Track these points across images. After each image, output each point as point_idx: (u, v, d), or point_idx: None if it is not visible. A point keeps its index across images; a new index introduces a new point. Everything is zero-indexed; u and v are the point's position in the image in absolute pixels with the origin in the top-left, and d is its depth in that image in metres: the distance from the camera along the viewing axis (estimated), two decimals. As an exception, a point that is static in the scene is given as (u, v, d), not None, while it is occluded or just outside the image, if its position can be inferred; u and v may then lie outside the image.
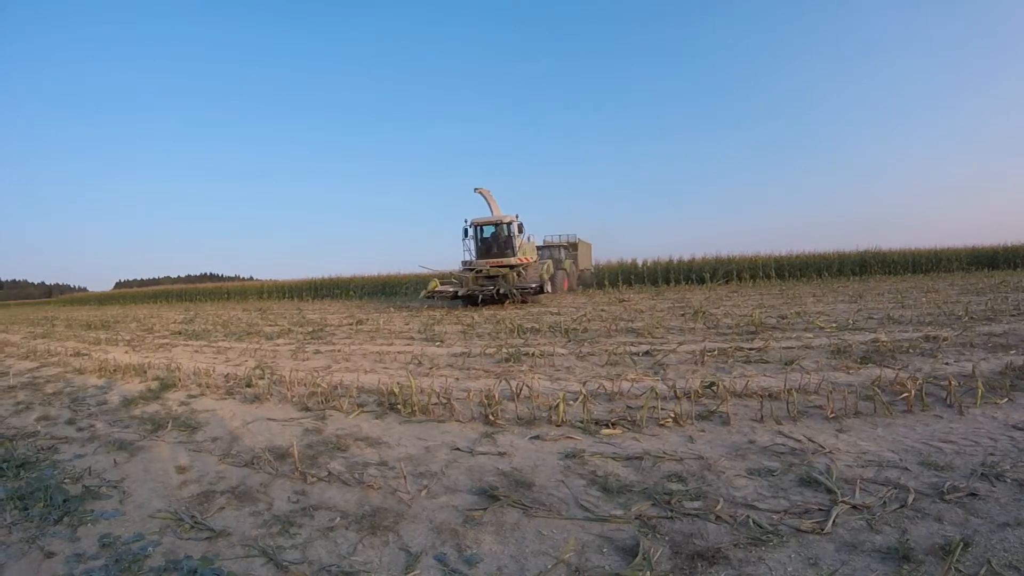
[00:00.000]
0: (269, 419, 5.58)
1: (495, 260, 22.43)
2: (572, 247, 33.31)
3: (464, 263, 23.14)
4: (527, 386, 6.11)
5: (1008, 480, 3.30)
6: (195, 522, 3.22)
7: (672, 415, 4.90)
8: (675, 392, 5.71)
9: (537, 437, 4.58)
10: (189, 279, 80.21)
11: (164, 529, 3.17)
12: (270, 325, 17.65)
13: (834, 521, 2.86)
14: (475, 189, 24.36)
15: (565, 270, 30.41)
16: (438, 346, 10.56)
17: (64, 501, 3.61)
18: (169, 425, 5.44)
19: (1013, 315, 11.00)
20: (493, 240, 23.00)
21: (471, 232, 23.21)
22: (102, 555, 2.89)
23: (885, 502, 3.08)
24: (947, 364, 6.64)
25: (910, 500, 3.08)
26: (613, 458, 4.02)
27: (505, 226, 22.78)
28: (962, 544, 2.54)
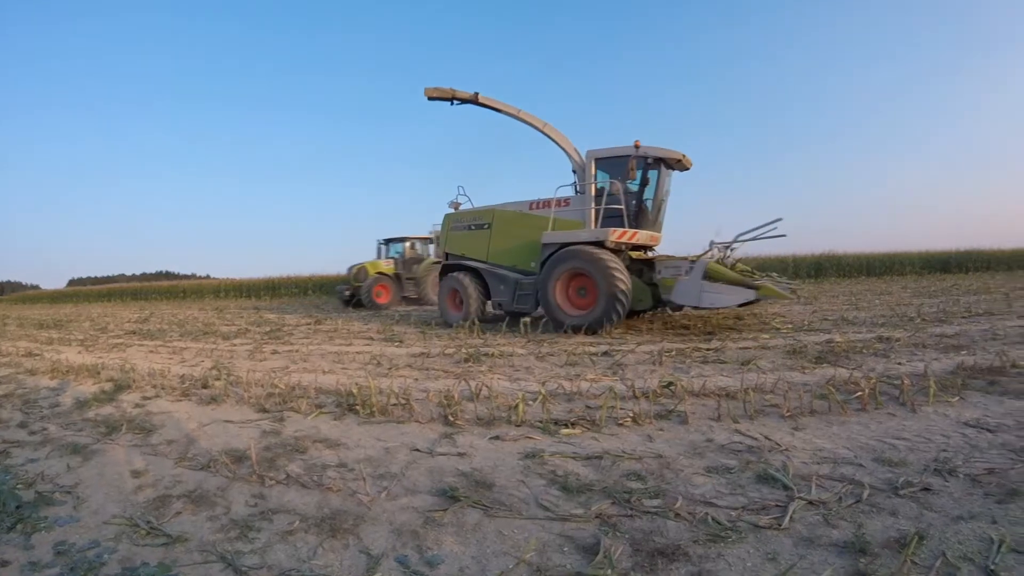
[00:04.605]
0: (226, 421, 5.47)
1: (649, 239, 12.75)
2: None
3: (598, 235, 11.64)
4: (487, 386, 6.10)
5: (961, 475, 3.37)
6: (151, 528, 3.13)
7: (631, 415, 4.92)
8: (634, 392, 5.75)
9: (497, 437, 4.56)
10: (144, 277, 78.30)
11: (120, 535, 3.08)
12: (227, 324, 17.37)
13: (791, 517, 2.89)
14: (428, 95, 13.91)
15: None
16: (397, 346, 10.50)
17: (17, 507, 3.50)
18: (124, 428, 5.29)
19: (964, 317, 11.29)
20: (645, 200, 12.38)
21: (631, 173, 11.54)
22: (57, 563, 2.80)
23: (841, 498, 3.12)
24: (900, 364, 6.78)
25: (865, 495, 3.12)
26: (573, 458, 4.01)
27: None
28: (917, 537, 2.58)
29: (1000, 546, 2.52)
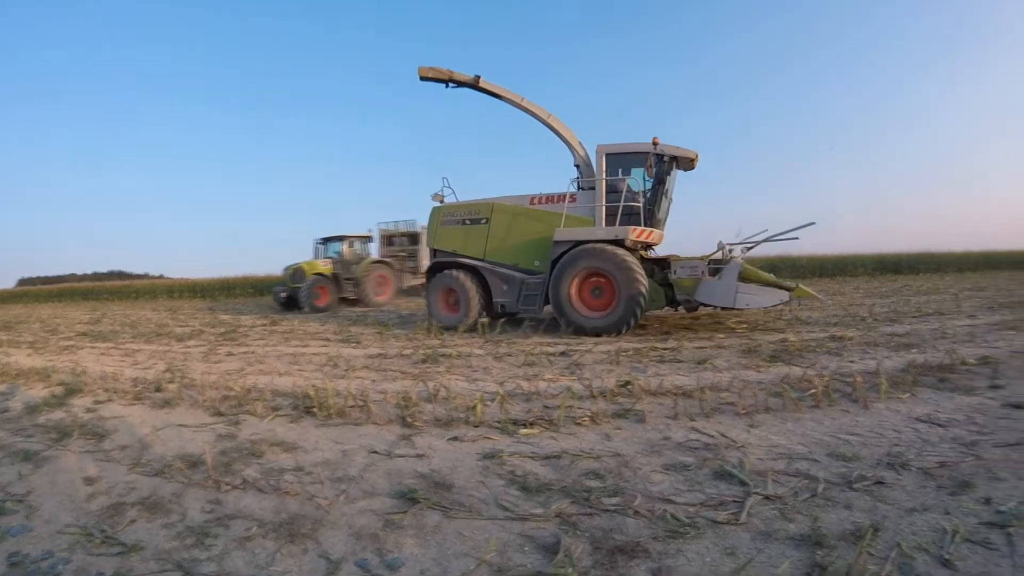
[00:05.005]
0: (180, 425, 5.35)
1: (659, 237, 12.32)
2: (411, 238, 26.45)
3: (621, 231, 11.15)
4: (445, 387, 6.09)
5: (913, 469, 3.46)
6: (106, 536, 3.04)
7: (589, 414, 4.94)
8: (591, 391, 5.78)
9: (455, 438, 4.54)
10: (96, 276, 75.66)
11: (74, 545, 2.99)
12: (181, 326, 17.04)
13: (748, 512, 2.93)
14: (423, 74, 13.19)
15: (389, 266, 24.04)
16: (354, 347, 10.41)
17: (-31, 518, 3.39)
18: (75, 433, 5.14)
19: (915, 317, 11.58)
20: (657, 195, 11.80)
21: (650, 170, 11.44)
22: (11, 574, 2.72)
23: (796, 492, 3.17)
24: (852, 362, 6.92)
25: (820, 489, 3.18)
26: (532, 457, 4.02)
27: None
28: (872, 529, 2.64)
29: (954, 536, 2.59)
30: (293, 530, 3.03)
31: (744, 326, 11.02)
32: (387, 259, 24.63)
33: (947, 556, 2.44)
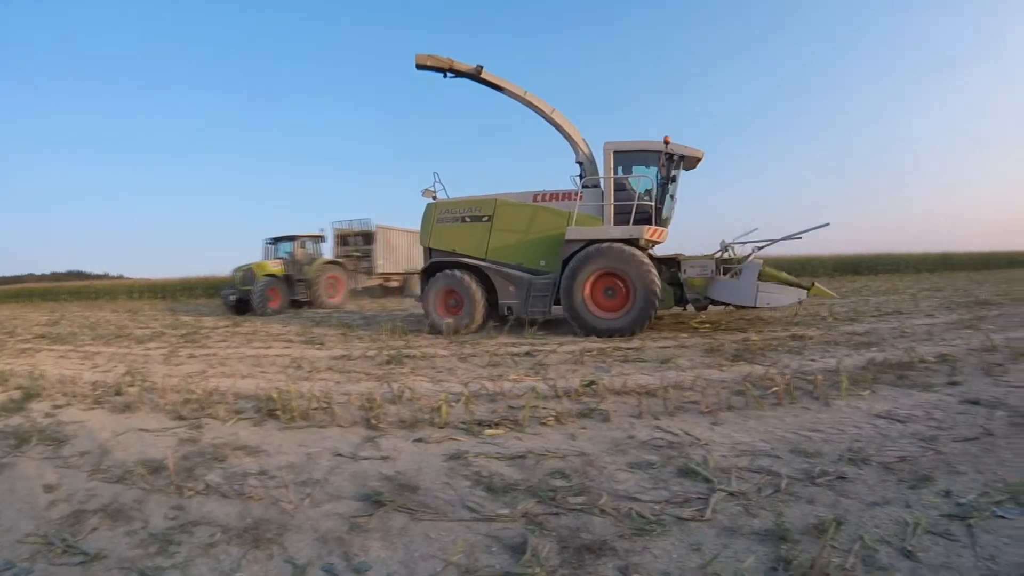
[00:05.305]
0: (141, 429, 5.24)
1: (665, 236, 11.94)
2: (365, 238, 26.08)
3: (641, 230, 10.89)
4: (409, 388, 6.06)
5: (874, 463, 3.52)
6: (67, 545, 2.97)
7: (554, 414, 4.95)
8: (556, 391, 5.79)
9: (420, 440, 4.51)
10: (55, 277, 73.97)
11: (35, 555, 2.91)
12: (141, 327, 16.77)
13: (713, 508, 2.96)
14: (420, 63, 12.60)
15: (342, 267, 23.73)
16: (317, 348, 10.32)
17: (-74, 530, 3.28)
18: (34, 439, 5.00)
19: (874, 316, 11.81)
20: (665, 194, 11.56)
21: (663, 169, 11.27)
22: (-27, 586, 2.65)
23: (760, 488, 3.21)
24: (813, 360, 7.02)
25: (783, 485, 3.23)
26: (497, 458, 4.01)
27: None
28: (835, 523, 2.68)
29: (915, 528, 2.64)
30: (258, 535, 2.98)
31: (707, 326, 11.13)
32: (340, 259, 24.23)
33: (909, 548, 2.48)
